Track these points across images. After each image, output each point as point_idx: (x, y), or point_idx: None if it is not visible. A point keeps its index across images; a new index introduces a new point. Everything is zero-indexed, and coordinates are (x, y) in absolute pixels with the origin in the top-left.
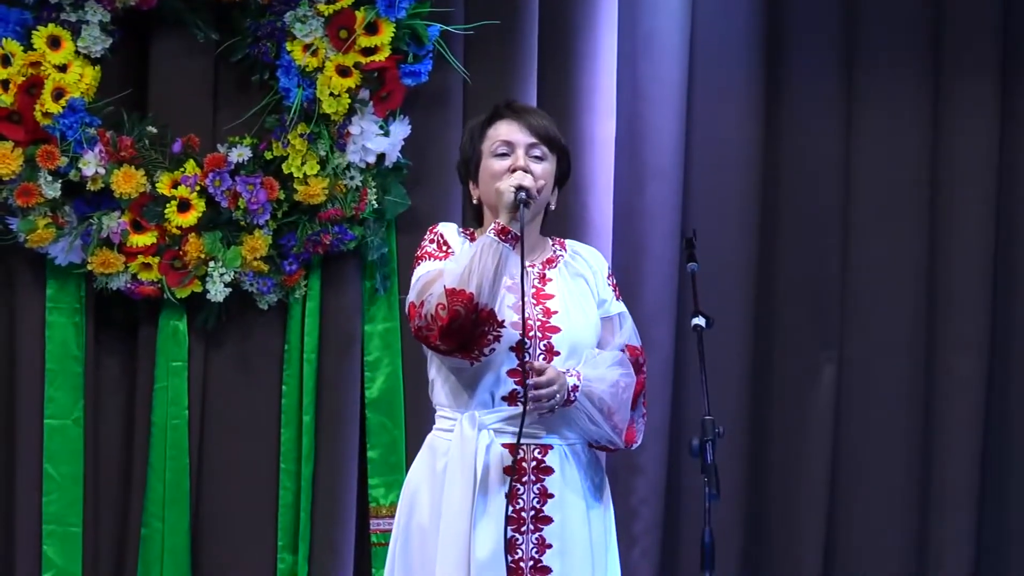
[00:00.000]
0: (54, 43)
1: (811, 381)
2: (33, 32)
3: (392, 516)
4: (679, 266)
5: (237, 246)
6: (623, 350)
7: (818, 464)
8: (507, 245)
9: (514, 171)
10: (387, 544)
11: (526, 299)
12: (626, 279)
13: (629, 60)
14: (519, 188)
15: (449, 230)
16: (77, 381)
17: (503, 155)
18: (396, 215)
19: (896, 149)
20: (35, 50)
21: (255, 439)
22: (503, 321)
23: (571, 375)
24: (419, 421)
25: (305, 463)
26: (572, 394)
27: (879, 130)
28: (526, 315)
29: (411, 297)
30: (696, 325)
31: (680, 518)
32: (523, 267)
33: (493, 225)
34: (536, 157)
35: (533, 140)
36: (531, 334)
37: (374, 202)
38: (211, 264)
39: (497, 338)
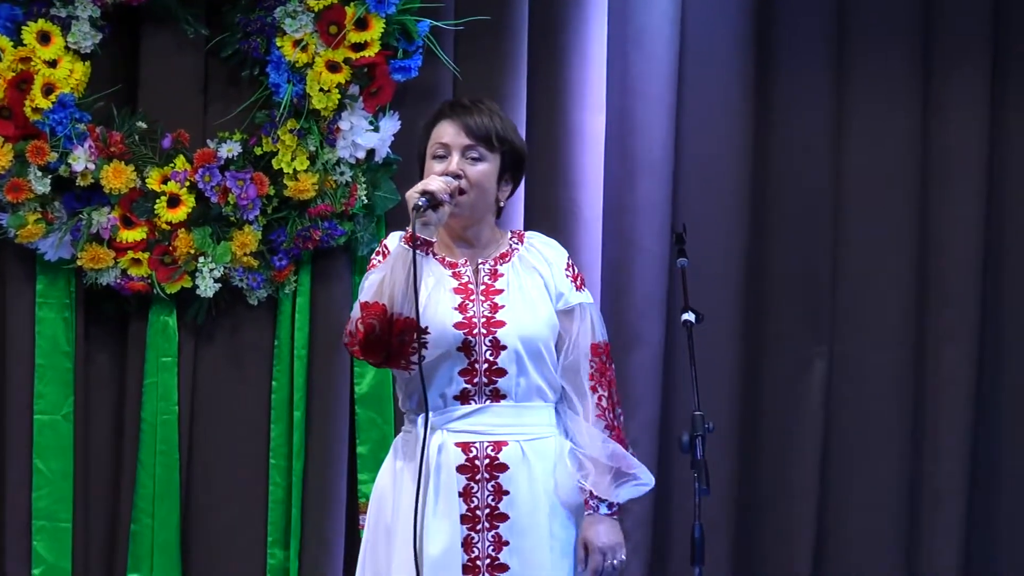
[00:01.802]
0: (44, 38)
1: (802, 376)
2: (23, 27)
3: None
4: (669, 261)
5: (227, 241)
6: (590, 350)
7: (808, 459)
8: (420, 252)
9: (447, 174)
10: None
11: (410, 297)
12: (616, 275)
13: (619, 55)
14: (423, 193)
15: (392, 239)
16: (67, 376)
17: (440, 157)
18: (386, 210)
19: (887, 143)
20: (25, 45)
21: (245, 435)
22: (426, 328)
23: (592, 504)
24: None
25: (295, 459)
26: (614, 509)
27: (869, 124)
28: (470, 314)
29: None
30: (686, 321)
31: (670, 513)
32: (415, 272)
33: (402, 233)
34: (473, 158)
35: (469, 142)
36: (475, 332)
37: (364, 197)
38: (201, 260)
39: (423, 345)
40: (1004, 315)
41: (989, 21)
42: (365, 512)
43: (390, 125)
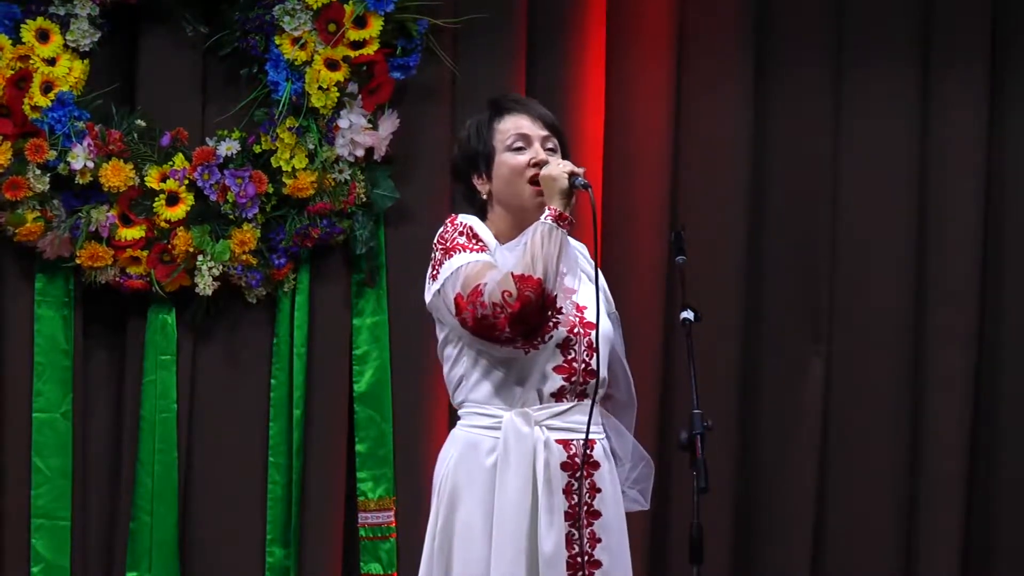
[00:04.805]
0: (43, 36)
1: (800, 375)
2: (22, 25)
3: (381, 510)
4: (668, 261)
5: (226, 240)
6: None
7: (807, 459)
8: (564, 231)
9: (536, 164)
10: (375, 538)
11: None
12: (615, 274)
13: (618, 54)
14: (572, 173)
15: (475, 223)
16: (66, 375)
17: (520, 149)
18: (385, 209)
19: (885, 142)
20: (24, 43)
21: (244, 433)
22: (561, 308)
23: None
24: (407, 415)
25: (294, 457)
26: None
27: (868, 123)
28: (564, 312)
29: (456, 288)
30: (685, 319)
31: (669, 512)
32: (598, 251)
33: (549, 211)
34: (549, 149)
35: (546, 132)
36: (575, 331)
37: (363, 196)
38: (200, 258)
39: (556, 324)
40: (1004, 315)
41: (989, 20)
42: (364, 510)
43: (389, 123)
